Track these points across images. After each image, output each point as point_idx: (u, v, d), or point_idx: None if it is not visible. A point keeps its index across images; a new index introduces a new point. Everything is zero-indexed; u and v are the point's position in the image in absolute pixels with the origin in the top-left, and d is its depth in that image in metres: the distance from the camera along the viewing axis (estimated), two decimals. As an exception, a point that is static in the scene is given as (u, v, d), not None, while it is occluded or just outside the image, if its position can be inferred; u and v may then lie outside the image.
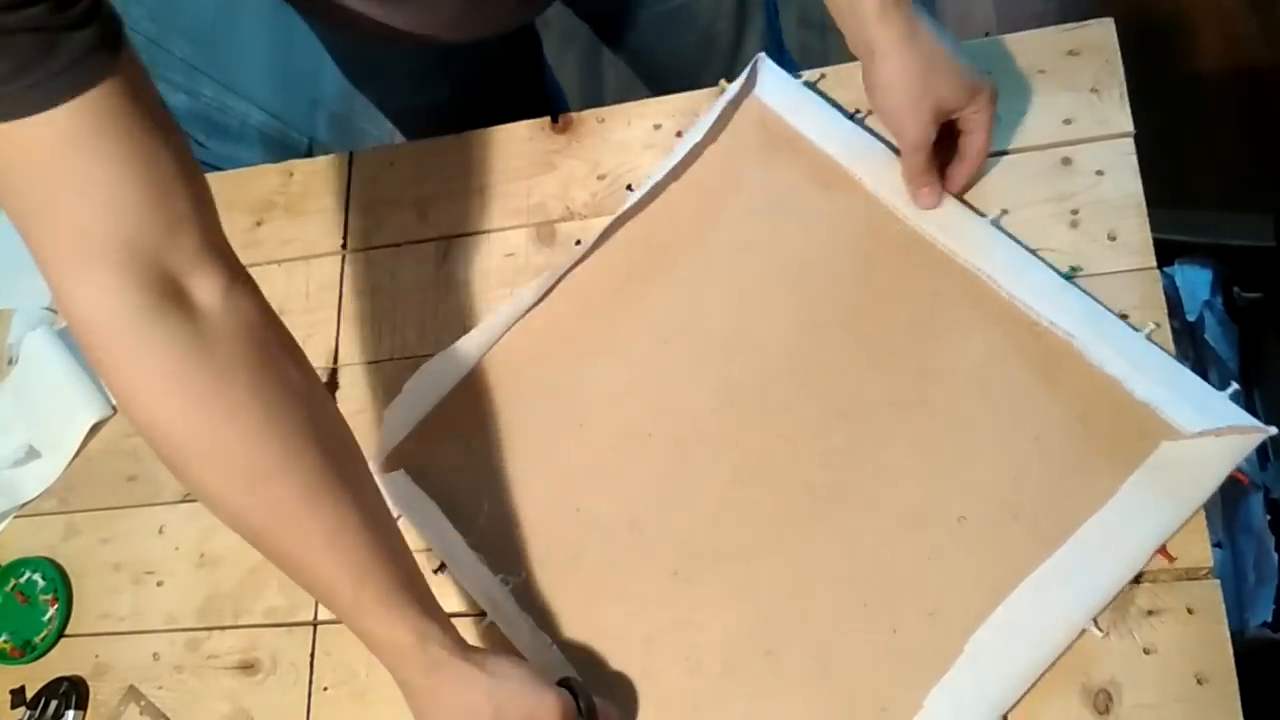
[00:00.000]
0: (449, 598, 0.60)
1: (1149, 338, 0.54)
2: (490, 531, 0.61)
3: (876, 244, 0.60)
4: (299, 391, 0.44)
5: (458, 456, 0.63)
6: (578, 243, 0.67)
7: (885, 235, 0.60)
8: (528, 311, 0.65)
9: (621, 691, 0.56)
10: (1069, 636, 0.50)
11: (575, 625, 0.58)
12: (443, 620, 0.48)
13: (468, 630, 0.59)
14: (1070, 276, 0.57)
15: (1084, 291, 0.56)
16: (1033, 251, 0.58)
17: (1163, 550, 0.51)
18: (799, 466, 0.57)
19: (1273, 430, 0.50)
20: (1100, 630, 0.51)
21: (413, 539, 0.61)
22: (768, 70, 0.65)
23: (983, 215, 0.59)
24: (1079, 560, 0.51)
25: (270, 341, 0.44)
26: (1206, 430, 0.51)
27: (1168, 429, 0.52)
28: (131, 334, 0.40)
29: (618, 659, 0.57)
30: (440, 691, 0.47)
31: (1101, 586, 0.50)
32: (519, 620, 0.58)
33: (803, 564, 0.55)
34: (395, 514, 0.56)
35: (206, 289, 0.42)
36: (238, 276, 0.44)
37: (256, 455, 0.42)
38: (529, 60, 0.87)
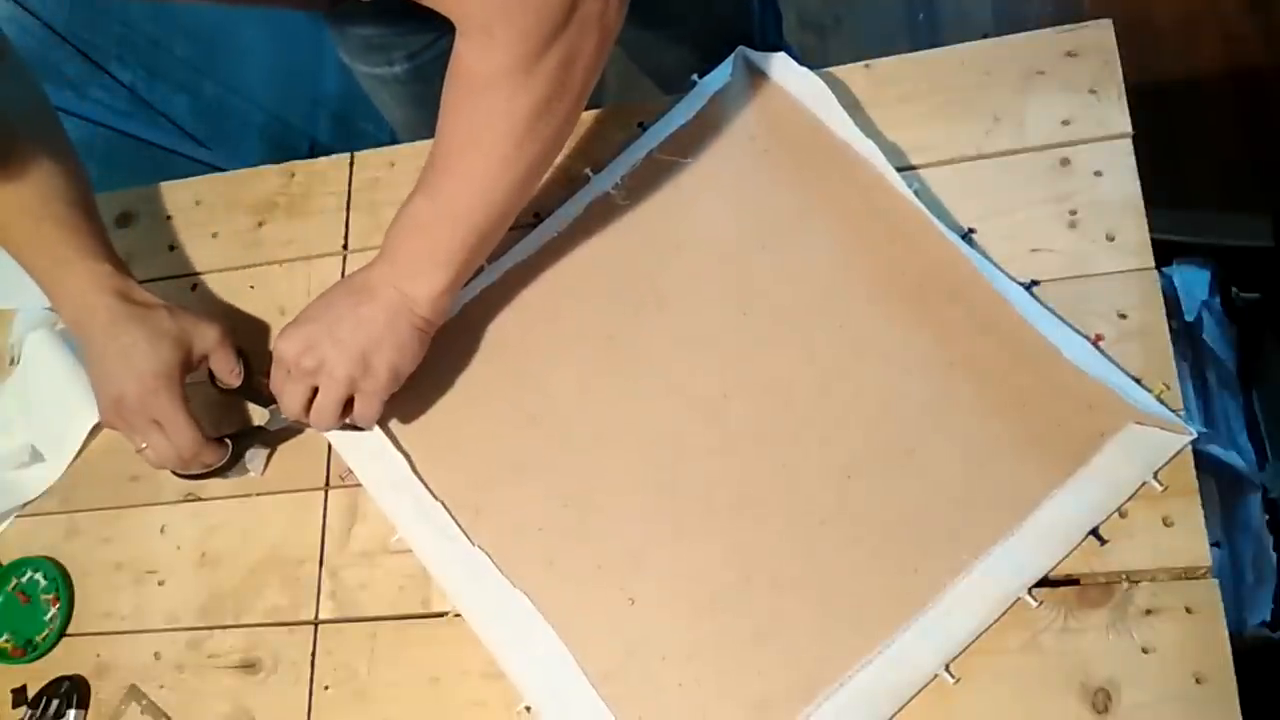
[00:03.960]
0: (446, 599, 0.61)
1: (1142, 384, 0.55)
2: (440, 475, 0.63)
3: (877, 223, 0.61)
4: None
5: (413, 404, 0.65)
6: (535, 215, 0.68)
7: (885, 211, 0.60)
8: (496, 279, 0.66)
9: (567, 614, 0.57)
10: (1003, 607, 0.52)
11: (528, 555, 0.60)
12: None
13: (468, 628, 0.59)
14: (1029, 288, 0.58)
15: (1040, 302, 0.57)
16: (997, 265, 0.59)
17: (1096, 533, 0.53)
18: (752, 454, 0.58)
19: (1194, 433, 0.52)
20: (1035, 600, 0.52)
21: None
22: (782, 62, 0.65)
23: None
24: (1031, 538, 0.53)
25: None
26: (1153, 417, 0.52)
27: (1133, 412, 0.53)
28: None
29: (563, 587, 0.58)
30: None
31: (1040, 565, 0.52)
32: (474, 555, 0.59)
33: (748, 548, 0.56)
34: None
35: None
36: None
37: None
38: None
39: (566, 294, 0.65)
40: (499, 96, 0.49)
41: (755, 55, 0.66)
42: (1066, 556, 0.52)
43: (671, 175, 0.66)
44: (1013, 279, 0.58)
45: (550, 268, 0.66)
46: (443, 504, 0.61)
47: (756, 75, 0.66)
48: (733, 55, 0.66)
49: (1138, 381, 0.54)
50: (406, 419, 0.65)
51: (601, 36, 0.49)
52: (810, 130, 0.63)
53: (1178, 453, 0.52)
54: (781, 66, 0.65)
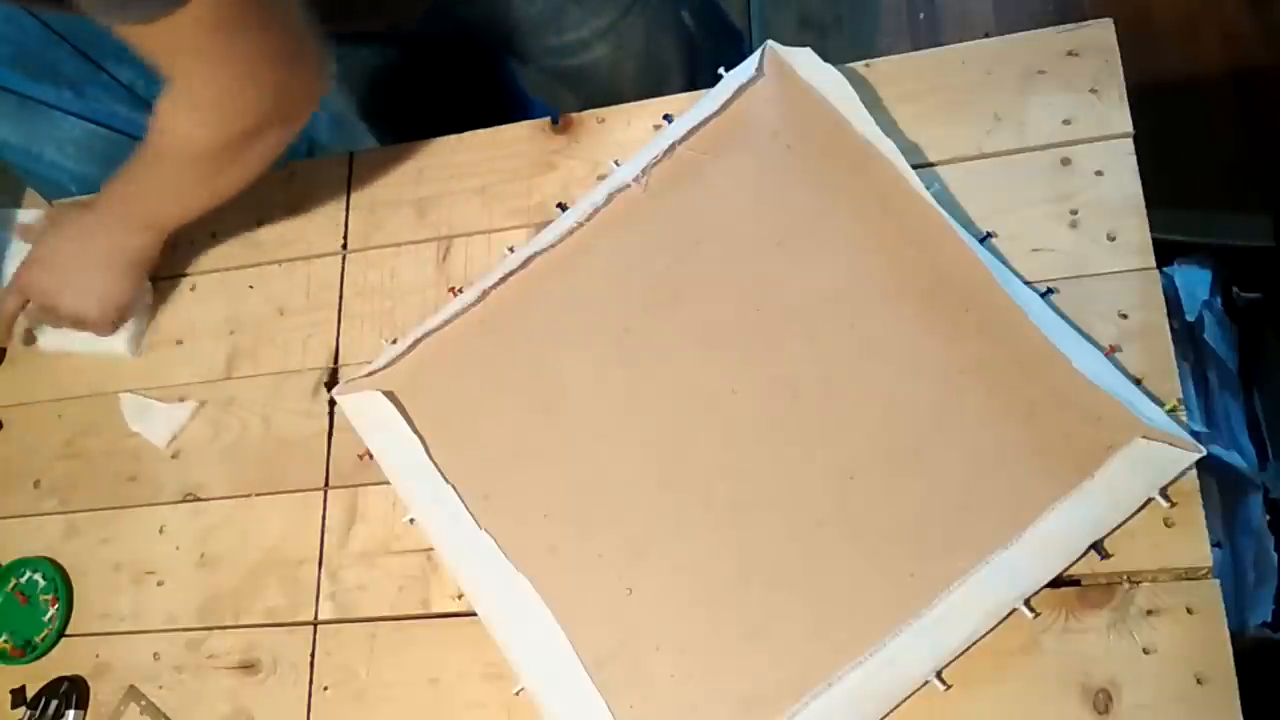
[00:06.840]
0: (446, 600, 0.61)
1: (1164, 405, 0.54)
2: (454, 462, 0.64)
3: (891, 223, 0.60)
4: None
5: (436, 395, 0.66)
6: (560, 206, 0.68)
7: (901, 212, 0.60)
8: (520, 268, 0.66)
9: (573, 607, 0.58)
10: (998, 618, 0.52)
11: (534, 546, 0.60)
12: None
13: (467, 628, 0.59)
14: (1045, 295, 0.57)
15: (1055, 310, 0.57)
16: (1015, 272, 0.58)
17: (1097, 547, 0.52)
18: (756, 451, 0.58)
19: (1203, 451, 0.51)
20: (1031, 611, 0.51)
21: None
22: (808, 58, 0.64)
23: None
24: (1031, 548, 0.52)
25: None
26: (1162, 433, 0.51)
27: (1141, 426, 0.52)
28: None
29: (564, 573, 0.59)
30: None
31: (1037, 577, 0.52)
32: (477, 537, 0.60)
33: (746, 545, 0.56)
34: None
35: None
36: None
37: None
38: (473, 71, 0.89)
39: (586, 285, 0.65)
40: (204, 166, 0.61)
41: (782, 50, 0.65)
42: (1066, 569, 0.52)
43: (693, 169, 0.65)
44: (1030, 285, 0.57)
45: (571, 257, 0.66)
46: (454, 488, 0.62)
47: (783, 70, 0.65)
48: (760, 49, 0.65)
49: (1138, 383, 0.54)
50: (423, 403, 0.65)
51: (291, 130, 0.60)
52: (833, 128, 0.62)
53: (1185, 470, 0.51)
54: (808, 62, 0.64)
